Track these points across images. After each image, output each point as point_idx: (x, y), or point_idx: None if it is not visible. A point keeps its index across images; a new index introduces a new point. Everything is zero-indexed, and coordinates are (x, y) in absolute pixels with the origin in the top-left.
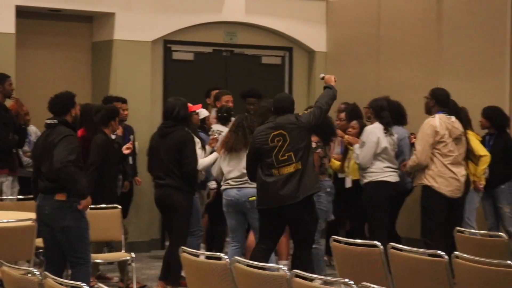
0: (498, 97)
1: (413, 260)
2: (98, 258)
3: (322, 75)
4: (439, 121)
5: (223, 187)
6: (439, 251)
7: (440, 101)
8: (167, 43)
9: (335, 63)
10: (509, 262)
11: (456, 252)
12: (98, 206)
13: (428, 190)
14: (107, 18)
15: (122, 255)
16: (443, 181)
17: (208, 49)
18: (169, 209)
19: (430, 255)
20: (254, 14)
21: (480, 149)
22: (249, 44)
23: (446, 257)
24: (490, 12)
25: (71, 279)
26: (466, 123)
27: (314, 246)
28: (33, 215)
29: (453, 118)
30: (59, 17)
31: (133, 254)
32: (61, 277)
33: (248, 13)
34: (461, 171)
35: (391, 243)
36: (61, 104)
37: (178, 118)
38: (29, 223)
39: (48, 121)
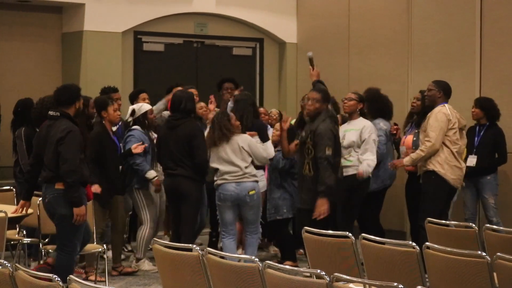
0: (468, 87)
1: (385, 250)
2: None
3: (310, 54)
4: (449, 110)
5: (218, 182)
6: (410, 242)
7: (447, 92)
8: (138, 34)
9: (303, 54)
10: (479, 252)
11: (427, 243)
12: None
13: (433, 175)
14: (77, 9)
15: (95, 246)
16: (449, 168)
17: (179, 40)
18: (179, 198)
19: (401, 245)
20: (225, 5)
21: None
22: (220, 35)
23: (417, 247)
24: (460, 3)
25: (54, 263)
26: None
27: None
28: (5, 207)
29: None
30: (29, 8)
31: (105, 246)
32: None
33: (218, 5)
34: (462, 162)
35: (362, 234)
36: (68, 95)
37: (186, 111)
38: (0, 215)
39: (51, 113)
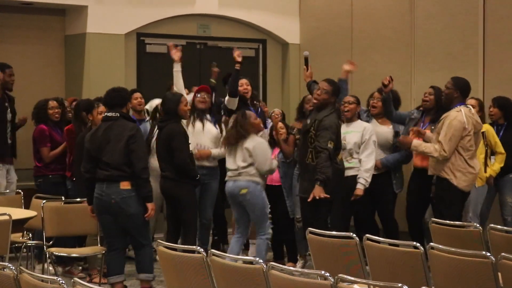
0: (472, 87)
1: (389, 251)
2: (74, 252)
3: (306, 53)
4: (466, 116)
5: (226, 178)
6: (414, 242)
7: (464, 92)
8: (141, 36)
9: (309, 55)
10: (483, 252)
11: (431, 243)
12: (73, 200)
13: (445, 182)
14: (79, 11)
15: (98, 248)
16: (461, 175)
17: (182, 42)
18: (171, 200)
19: (405, 246)
20: (227, 6)
21: (499, 146)
22: (223, 37)
23: (421, 248)
24: (463, 3)
25: (136, 262)
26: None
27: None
28: (8, 210)
29: (473, 110)
30: (32, 10)
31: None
32: (124, 264)
33: (221, 6)
34: (477, 164)
35: (367, 235)
36: (120, 97)
37: (169, 112)
38: (4, 217)
39: (109, 114)
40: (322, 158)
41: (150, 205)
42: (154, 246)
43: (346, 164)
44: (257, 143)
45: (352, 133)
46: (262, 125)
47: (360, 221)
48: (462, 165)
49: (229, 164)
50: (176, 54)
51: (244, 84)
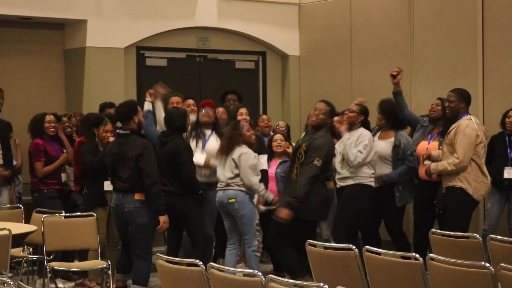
0: (471, 97)
1: (388, 262)
2: (74, 266)
3: None
4: (476, 124)
5: (218, 187)
6: (413, 254)
7: (469, 101)
8: (140, 49)
9: (308, 67)
10: (483, 263)
11: (430, 254)
12: (74, 214)
13: (460, 191)
14: (79, 25)
15: (99, 263)
16: (477, 185)
17: (181, 55)
18: (176, 215)
19: (404, 257)
20: (227, 19)
21: None
22: (222, 49)
23: (421, 259)
24: (461, 13)
25: (132, 272)
26: None
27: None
28: (8, 224)
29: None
30: (31, 25)
31: (109, 262)
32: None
33: (220, 18)
34: (488, 175)
35: (366, 246)
36: (123, 112)
37: (174, 127)
38: (4, 232)
39: (120, 132)
40: (303, 176)
41: (162, 218)
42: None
43: (344, 173)
44: (243, 153)
45: (350, 140)
46: (253, 138)
47: (365, 233)
48: (478, 174)
49: (219, 174)
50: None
51: (244, 114)
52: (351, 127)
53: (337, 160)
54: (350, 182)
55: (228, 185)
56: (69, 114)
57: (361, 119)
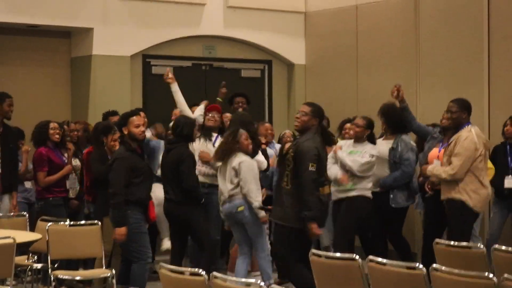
0: (477, 106)
1: (391, 273)
2: (78, 275)
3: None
4: (477, 136)
5: (221, 199)
6: (417, 264)
7: (470, 111)
8: (146, 57)
9: (314, 75)
10: (486, 273)
11: (434, 265)
12: (78, 223)
13: (460, 203)
14: (85, 33)
15: (103, 271)
16: (477, 197)
17: (187, 63)
18: (177, 222)
19: (408, 267)
20: (233, 27)
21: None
22: (228, 58)
23: (424, 269)
24: (468, 21)
25: (130, 274)
26: None
27: None
28: (13, 233)
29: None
30: (37, 33)
31: (113, 271)
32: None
33: (226, 27)
34: (489, 186)
35: (370, 256)
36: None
37: (181, 135)
38: (8, 241)
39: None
40: (304, 188)
41: (117, 230)
42: (156, 269)
43: (348, 185)
44: (242, 161)
45: (356, 153)
46: (251, 147)
47: (366, 241)
48: (477, 186)
49: (221, 187)
50: (168, 77)
51: (269, 129)
52: (356, 140)
53: (337, 172)
54: (351, 193)
55: (231, 196)
56: (66, 121)
57: (367, 133)
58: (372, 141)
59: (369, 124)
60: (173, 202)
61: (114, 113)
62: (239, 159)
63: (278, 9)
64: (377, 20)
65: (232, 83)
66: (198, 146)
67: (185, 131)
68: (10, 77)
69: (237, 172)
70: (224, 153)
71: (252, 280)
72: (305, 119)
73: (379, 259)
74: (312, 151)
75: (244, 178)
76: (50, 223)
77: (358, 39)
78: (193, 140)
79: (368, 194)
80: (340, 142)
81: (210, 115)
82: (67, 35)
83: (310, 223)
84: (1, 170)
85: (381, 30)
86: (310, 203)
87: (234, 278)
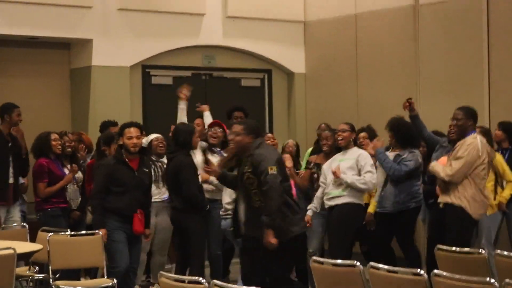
0: (477, 113)
1: (393, 278)
2: (80, 285)
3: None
4: (481, 144)
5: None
6: (418, 270)
7: (476, 119)
8: (146, 68)
9: (314, 84)
10: (487, 279)
11: (435, 270)
12: (79, 233)
13: (459, 210)
14: (84, 44)
15: (104, 281)
16: (476, 204)
17: (187, 73)
18: (179, 230)
19: (409, 273)
20: (232, 37)
21: (508, 175)
22: (228, 67)
23: (426, 275)
24: (467, 28)
25: None
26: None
27: None
28: (13, 244)
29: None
30: (37, 45)
31: (115, 280)
32: None
33: (226, 37)
34: (489, 194)
35: (371, 262)
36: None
37: (178, 144)
38: (9, 251)
39: None
40: (268, 193)
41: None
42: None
43: (335, 193)
44: None
45: (347, 160)
46: None
47: (374, 247)
48: (476, 194)
49: (224, 199)
50: (182, 92)
51: (271, 138)
52: (346, 146)
53: (328, 180)
54: (341, 200)
55: (226, 211)
56: (63, 132)
57: (353, 137)
58: (356, 144)
59: (353, 127)
60: (177, 209)
61: (113, 123)
62: None
63: (278, 19)
64: (377, 28)
65: (232, 92)
66: (200, 161)
67: (181, 137)
68: (10, 88)
69: None
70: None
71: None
72: (237, 139)
73: (380, 265)
74: (267, 155)
75: None
76: (50, 234)
77: (358, 48)
78: (192, 147)
79: (359, 200)
80: (387, 154)
81: (212, 130)
82: (66, 46)
83: (266, 229)
84: (13, 180)
85: (381, 39)
86: (270, 208)
87: (235, 286)
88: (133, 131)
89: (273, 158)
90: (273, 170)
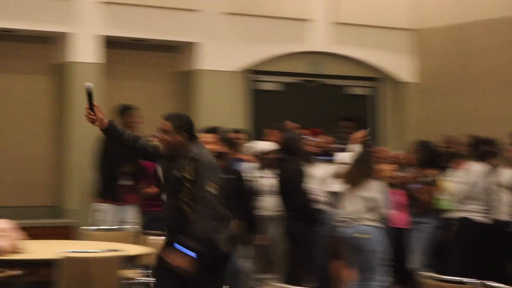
0: None
1: None
2: None
3: (87, 85)
4: None
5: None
6: None
7: None
8: (251, 72)
9: (424, 94)
10: None
11: None
12: None
13: None
14: (192, 48)
15: None
16: None
17: (293, 79)
18: (291, 239)
19: None
20: (339, 44)
21: None
22: (335, 74)
23: None
24: None
25: None
26: None
27: None
28: (119, 246)
29: None
30: (145, 47)
31: None
32: None
33: (333, 43)
34: None
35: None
36: None
37: (289, 151)
38: (113, 253)
39: None
40: (201, 212)
41: None
42: None
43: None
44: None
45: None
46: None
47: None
48: None
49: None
50: None
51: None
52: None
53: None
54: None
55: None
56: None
57: None
58: None
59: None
60: (290, 218)
61: (214, 129)
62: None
63: (386, 26)
64: (493, 38)
65: (338, 100)
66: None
67: (295, 146)
68: (119, 90)
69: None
70: (359, 179)
71: None
72: (167, 138)
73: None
74: (211, 168)
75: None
76: (157, 237)
77: (473, 57)
78: (301, 155)
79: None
80: None
81: (310, 139)
82: (174, 49)
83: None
84: (126, 181)
85: (497, 49)
86: (201, 230)
87: None
88: (208, 137)
89: (216, 170)
90: (210, 188)
